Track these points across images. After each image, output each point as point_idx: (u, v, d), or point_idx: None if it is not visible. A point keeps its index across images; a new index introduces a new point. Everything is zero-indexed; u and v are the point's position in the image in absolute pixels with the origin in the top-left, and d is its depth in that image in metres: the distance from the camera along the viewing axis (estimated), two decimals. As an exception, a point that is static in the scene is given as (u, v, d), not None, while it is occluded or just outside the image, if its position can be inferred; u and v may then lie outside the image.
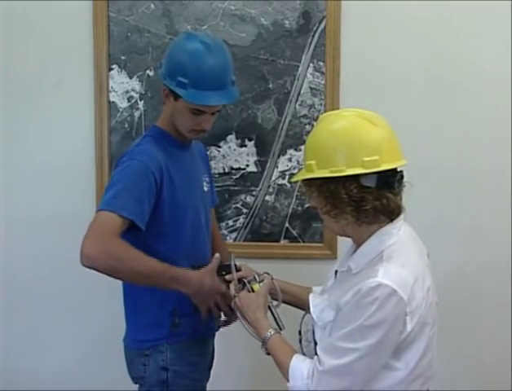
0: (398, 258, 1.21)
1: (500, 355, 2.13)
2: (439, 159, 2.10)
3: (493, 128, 2.08)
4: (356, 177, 1.20)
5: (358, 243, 1.30)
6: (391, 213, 1.24)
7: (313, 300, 1.34)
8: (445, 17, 2.05)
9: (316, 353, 1.25)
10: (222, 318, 1.62)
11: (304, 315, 1.37)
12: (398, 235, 1.25)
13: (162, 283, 1.46)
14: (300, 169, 1.37)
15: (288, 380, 1.26)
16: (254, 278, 1.47)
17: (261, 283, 1.45)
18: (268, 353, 1.33)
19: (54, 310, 2.23)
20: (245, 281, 1.46)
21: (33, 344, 2.26)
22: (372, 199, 1.21)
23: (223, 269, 1.55)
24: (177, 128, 1.59)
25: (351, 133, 1.23)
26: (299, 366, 1.25)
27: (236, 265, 1.54)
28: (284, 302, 1.53)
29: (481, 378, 2.13)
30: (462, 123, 2.09)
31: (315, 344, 1.29)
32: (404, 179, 1.27)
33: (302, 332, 1.36)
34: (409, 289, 1.17)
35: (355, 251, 1.33)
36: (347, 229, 1.29)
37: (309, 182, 1.27)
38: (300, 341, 1.36)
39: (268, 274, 1.51)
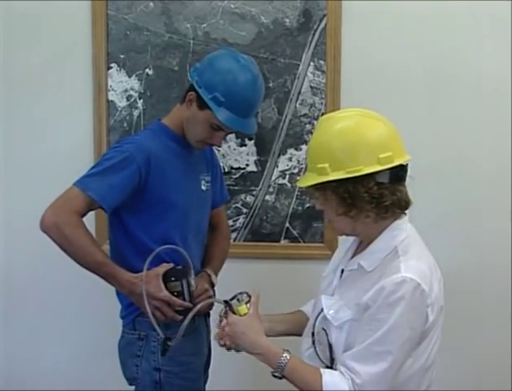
0: (413, 252, 1.25)
1: (500, 355, 2.13)
2: (439, 157, 2.09)
3: (493, 126, 2.08)
4: (372, 174, 1.21)
5: (367, 241, 1.31)
6: (405, 206, 1.27)
7: (326, 302, 1.32)
8: (445, 16, 2.05)
9: (331, 356, 1.27)
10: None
11: (317, 316, 1.34)
12: (407, 230, 1.28)
13: (100, 274, 1.51)
14: (304, 173, 1.36)
15: None
16: (237, 299, 1.34)
17: (248, 304, 1.33)
18: (281, 378, 1.27)
19: (52, 310, 2.22)
20: (230, 303, 1.33)
21: (31, 344, 2.25)
22: (389, 194, 1.23)
23: (174, 274, 1.52)
24: (186, 134, 1.62)
25: (360, 131, 1.24)
26: (335, 381, 1.21)
27: (189, 284, 1.52)
28: (284, 334, 1.48)
29: (481, 378, 2.13)
30: (462, 122, 2.08)
31: (330, 345, 1.29)
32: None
33: (315, 333, 1.34)
34: (429, 281, 1.21)
35: (357, 249, 1.35)
36: (360, 226, 1.29)
37: (322, 186, 1.25)
38: (313, 343, 1.33)
39: (247, 293, 1.36)
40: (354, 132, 1.24)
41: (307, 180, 1.28)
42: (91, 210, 1.53)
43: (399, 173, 1.24)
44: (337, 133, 1.26)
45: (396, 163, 1.23)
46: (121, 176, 1.50)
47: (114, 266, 1.51)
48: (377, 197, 1.22)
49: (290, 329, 1.48)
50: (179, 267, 1.55)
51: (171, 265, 1.55)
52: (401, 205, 1.26)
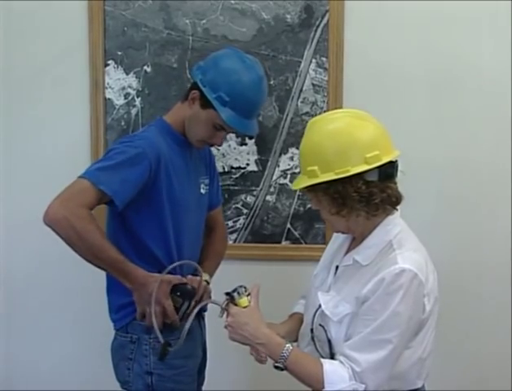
0: (408, 245, 1.29)
1: (500, 355, 2.12)
2: (439, 155, 2.09)
3: (493, 126, 2.08)
4: (361, 174, 1.24)
5: (360, 237, 1.34)
6: (395, 202, 1.30)
7: (323, 298, 1.34)
8: (446, 16, 2.04)
9: (331, 351, 1.30)
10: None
11: (315, 312, 1.35)
12: (400, 224, 1.32)
13: (111, 271, 1.48)
14: (298, 175, 1.37)
15: (322, 387, 1.25)
16: (238, 292, 1.35)
17: (248, 297, 1.35)
18: (283, 369, 1.28)
19: (53, 310, 2.22)
20: (233, 295, 1.35)
21: (32, 344, 2.24)
22: (378, 192, 1.26)
23: (181, 291, 1.50)
24: (187, 132, 1.60)
25: (349, 132, 1.26)
26: (336, 370, 1.25)
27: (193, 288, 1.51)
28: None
29: (481, 377, 2.13)
30: (462, 120, 2.08)
31: (329, 341, 1.31)
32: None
33: (314, 329, 1.35)
34: (425, 272, 1.25)
35: (350, 245, 1.38)
36: (353, 225, 1.31)
37: (313, 188, 1.29)
38: (312, 339, 1.35)
39: (245, 287, 1.38)
40: (341, 133, 1.27)
41: (299, 183, 1.32)
42: (99, 205, 1.48)
43: (388, 171, 1.26)
44: (324, 135, 1.28)
45: (384, 161, 1.25)
46: (133, 171, 1.46)
47: (128, 263, 1.47)
48: (366, 196, 1.25)
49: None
50: (189, 287, 1.53)
51: (184, 280, 1.53)
52: (392, 202, 1.29)
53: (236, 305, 1.35)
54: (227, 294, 1.36)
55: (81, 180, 1.44)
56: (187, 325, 1.38)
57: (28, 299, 2.21)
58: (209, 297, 1.61)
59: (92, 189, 1.42)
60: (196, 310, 1.41)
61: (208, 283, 1.65)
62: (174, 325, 1.51)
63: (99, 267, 1.47)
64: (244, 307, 1.34)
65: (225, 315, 1.36)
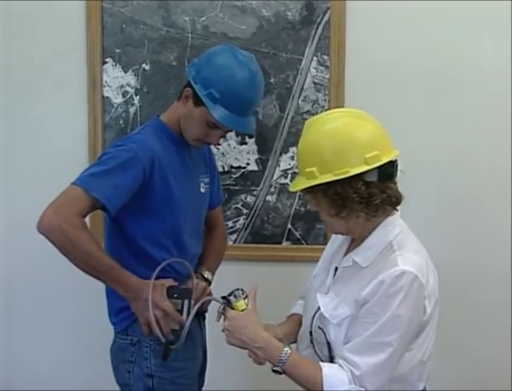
0: (409, 246, 1.28)
1: (500, 355, 2.13)
2: (439, 155, 2.08)
3: (493, 125, 2.07)
4: (360, 174, 1.22)
5: (360, 238, 1.32)
6: (396, 202, 1.29)
7: (322, 300, 1.33)
8: (447, 15, 2.04)
9: (330, 354, 1.29)
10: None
11: (314, 315, 1.34)
12: (400, 225, 1.31)
13: (104, 278, 1.47)
14: (296, 176, 1.35)
15: None
16: (235, 295, 1.34)
17: (246, 300, 1.34)
18: (281, 373, 1.28)
19: (53, 311, 2.22)
20: (229, 299, 1.34)
21: (32, 344, 2.24)
22: (378, 192, 1.24)
23: (178, 292, 1.48)
24: (183, 131, 1.59)
25: (348, 132, 1.25)
26: (335, 373, 1.24)
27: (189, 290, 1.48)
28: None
29: (481, 378, 2.13)
30: (462, 120, 2.07)
31: (328, 344, 1.30)
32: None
33: (313, 332, 1.34)
34: (425, 274, 1.24)
35: (349, 246, 1.37)
36: (353, 226, 1.30)
37: (312, 189, 1.27)
38: (312, 341, 1.34)
39: (242, 290, 1.37)
40: (340, 134, 1.25)
41: (297, 184, 1.30)
42: (92, 211, 1.47)
43: (387, 171, 1.25)
44: (323, 136, 1.27)
45: (384, 161, 1.24)
46: (126, 177, 1.45)
47: (122, 270, 1.45)
48: (366, 197, 1.24)
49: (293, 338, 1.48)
50: (184, 287, 1.52)
51: (176, 283, 1.51)
52: (392, 202, 1.27)
53: (233, 308, 1.34)
54: (224, 298, 1.36)
55: (73, 187, 1.43)
56: (188, 323, 1.38)
57: (27, 299, 2.21)
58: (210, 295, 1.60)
59: (85, 196, 1.41)
60: (196, 307, 1.39)
61: (210, 282, 1.64)
62: (179, 331, 1.47)
63: (93, 276, 1.45)
64: (242, 310, 1.33)
65: (222, 319, 1.35)
